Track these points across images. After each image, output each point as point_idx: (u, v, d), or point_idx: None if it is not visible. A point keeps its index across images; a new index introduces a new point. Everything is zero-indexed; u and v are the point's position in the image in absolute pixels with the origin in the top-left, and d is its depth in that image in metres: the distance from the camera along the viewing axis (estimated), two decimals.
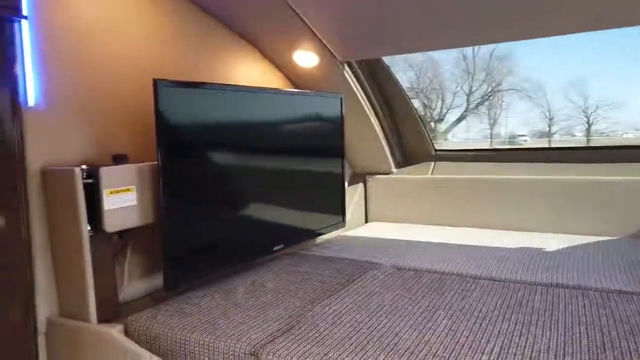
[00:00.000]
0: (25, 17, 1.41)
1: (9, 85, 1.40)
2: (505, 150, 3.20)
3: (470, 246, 2.28)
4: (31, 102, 1.48)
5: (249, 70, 2.39)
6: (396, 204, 2.95)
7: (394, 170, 2.99)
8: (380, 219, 2.99)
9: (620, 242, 2.28)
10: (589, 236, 2.39)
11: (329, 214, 2.43)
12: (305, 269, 1.99)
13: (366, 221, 3.04)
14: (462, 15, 1.96)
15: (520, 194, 2.59)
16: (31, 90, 1.48)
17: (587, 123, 21.27)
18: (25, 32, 1.45)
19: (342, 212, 2.52)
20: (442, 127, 21.06)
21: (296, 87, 2.63)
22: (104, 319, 1.53)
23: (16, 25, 1.41)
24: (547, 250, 2.17)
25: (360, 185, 3.01)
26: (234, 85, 1.92)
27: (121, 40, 1.79)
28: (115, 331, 1.45)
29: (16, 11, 1.38)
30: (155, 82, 1.54)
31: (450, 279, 1.81)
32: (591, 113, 21.17)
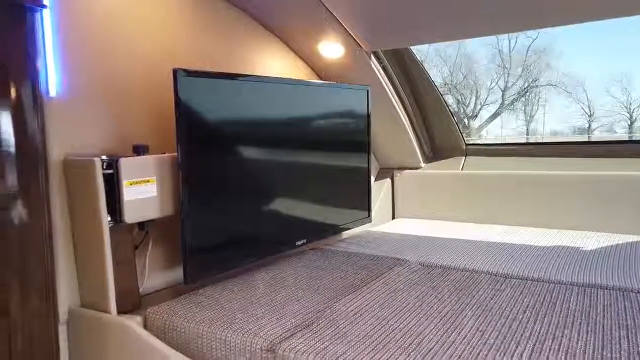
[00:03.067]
0: (46, 7, 1.40)
1: (31, 76, 1.40)
2: (540, 144, 3.06)
3: (501, 244, 2.18)
4: (52, 92, 1.48)
5: (272, 61, 2.35)
6: (425, 200, 2.86)
7: (423, 165, 2.90)
8: (408, 215, 2.91)
9: None
10: (631, 235, 2.25)
11: (354, 209, 2.37)
12: (328, 265, 1.94)
13: (393, 217, 2.97)
14: (491, 1, 1.87)
15: (556, 190, 2.46)
16: (52, 81, 1.48)
17: (630, 119, 20.39)
18: (46, 22, 1.45)
19: (367, 207, 2.46)
20: (475, 123, 20.63)
21: (321, 78, 2.58)
22: (124, 310, 1.53)
23: (37, 15, 1.41)
24: (584, 249, 2.05)
25: (388, 181, 2.93)
26: (255, 75, 1.88)
27: (142, 30, 1.78)
28: (134, 323, 1.44)
29: (38, 1, 1.37)
30: (175, 72, 1.51)
31: (480, 277, 1.72)
32: (634, 109, 20.29)
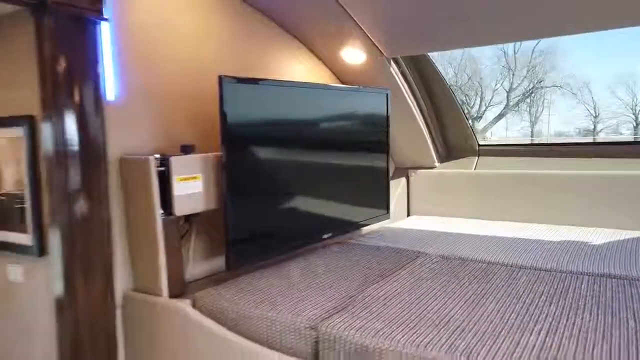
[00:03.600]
0: (107, 19, 1.56)
1: (93, 82, 1.55)
2: (549, 145, 3.20)
3: (514, 239, 2.32)
4: (110, 97, 1.63)
5: (297, 66, 2.50)
6: (438, 198, 3.00)
7: (437, 164, 3.05)
8: (422, 212, 3.06)
9: None
10: (637, 231, 2.39)
11: (374, 206, 2.52)
12: (354, 256, 2.09)
13: (408, 215, 3.11)
14: (508, 9, 2.01)
15: (566, 188, 2.60)
16: (110, 86, 1.64)
17: (635, 121, 20.41)
18: (105, 33, 1.60)
19: (386, 205, 2.60)
20: (480, 125, 20.70)
21: (342, 83, 2.72)
22: (172, 295, 1.67)
23: (98, 26, 1.56)
24: (592, 243, 2.19)
25: (403, 180, 3.07)
26: (290, 81, 2.04)
27: (187, 39, 1.93)
28: (186, 305, 1.59)
29: (99, 13, 1.53)
30: (221, 78, 1.66)
31: (496, 268, 1.87)
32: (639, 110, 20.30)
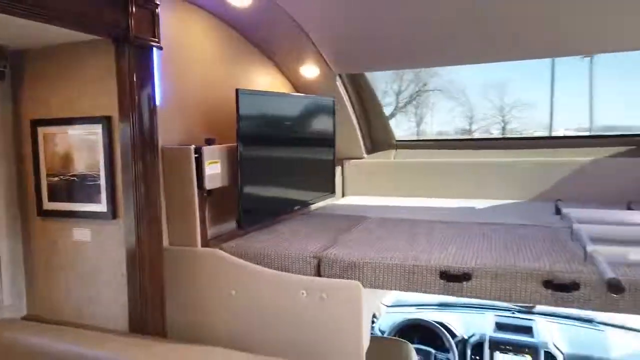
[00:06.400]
0: (162, 48, 2.16)
1: (151, 92, 2.14)
2: (448, 140, 4.26)
3: (427, 207, 3.27)
4: (158, 102, 2.23)
5: (265, 78, 3.21)
6: (366, 182, 3.89)
7: (365, 156, 3.93)
8: (355, 193, 3.93)
9: (522, 203, 3.37)
10: (503, 200, 3.46)
11: (325, 187, 3.32)
12: (320, 220, 2.87)
13: (343, 195, 3.96)
14: (439, 37, 2.89)
15: (458, 172, 3.63)
16: (157, 95, 2.23)
17: (503, 122, 23.50)
18: (156, 57, 2.20)
19: (333, 187, 3.42)
20: None
21: (297, 92, 3.48)
22: (203, 246, 2.32)
23: (154, 51, 2.15)
24: (477, 207, 3.20)
25: (339, 168, 3.91)
26: (276, 92, 2.76)
27: (202, 60, 2.58)
28: (216, 250, 2.25)
29: (158, 43, 2.13)
30: (237, 91, 2.34)
31: (421, 223, 2.75)
32: (506, 113, 23.41)
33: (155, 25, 2.11)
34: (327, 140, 3.30)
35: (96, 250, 2.17)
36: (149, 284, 2.15)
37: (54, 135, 2.18)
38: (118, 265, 2.10)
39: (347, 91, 3.52)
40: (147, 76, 2.12)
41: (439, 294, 1.98)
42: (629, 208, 2.79)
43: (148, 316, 2.13)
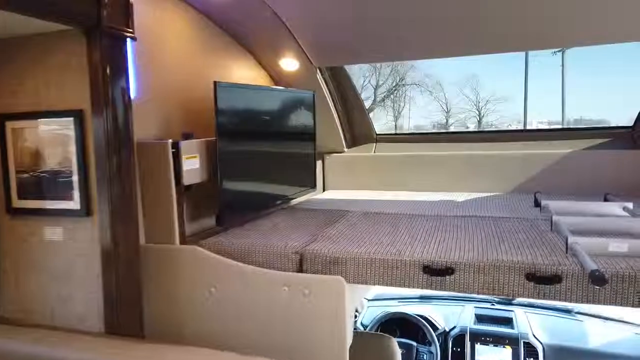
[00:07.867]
0: (136, 39, 2.08)
1: (125, 84, 2.06)
2: (429, 133, 4.26)
3: (408, 201, 3.26)
4: (132, 95, 2.15)
5: (244, 71, 3.15)
6: (347, 176, 3.86)
7: (346, 149, 3.90)
8: (336, 187, 3.90)
9: (502, 195, 3.40)
10: (483, 192, 3.48)
11: (305, 181, 3.28)
12: (302, 215, 2.83)
13: (324, 189, 3.93)
14: (415, 32, 2.87)
15: (439, 165, 3.63)
16: (132, 87, 2.15)
17: (479, 115, 23.82)
18: (130, 48, 2.12)
19: (314, 180, 3.38)
20: None
21: (277, 85, 3.42)
22: (181, 243, 2.25)
23: (127, 42, 2.07)
24: (457, 200, 3.21)
25: (320, 162, 3.88)
26: (255, 85, 2.69)
27: (179, 53, 2.50)
28: (196, 247, 2.19)
29: (132, 34, 2.05)
30: (215, 84, 2.28)
31: (402, 217, 2.74)
32: (482, 107, 23.75)
33: (129, 15, 2.03)
34: (307, 134, 3.26)
35: (69, 249, 2.09)
36: (125, 284, 2.09)
37: (22, 130, 2.09)
38: (92, 265, 2.03)
39: (327, 85, 3.48)
40: (120, 68, 2.05)
41: (422, 288, 1.97)
42: (606, 199, 2.83)
43: (124, 317, 2.07)
